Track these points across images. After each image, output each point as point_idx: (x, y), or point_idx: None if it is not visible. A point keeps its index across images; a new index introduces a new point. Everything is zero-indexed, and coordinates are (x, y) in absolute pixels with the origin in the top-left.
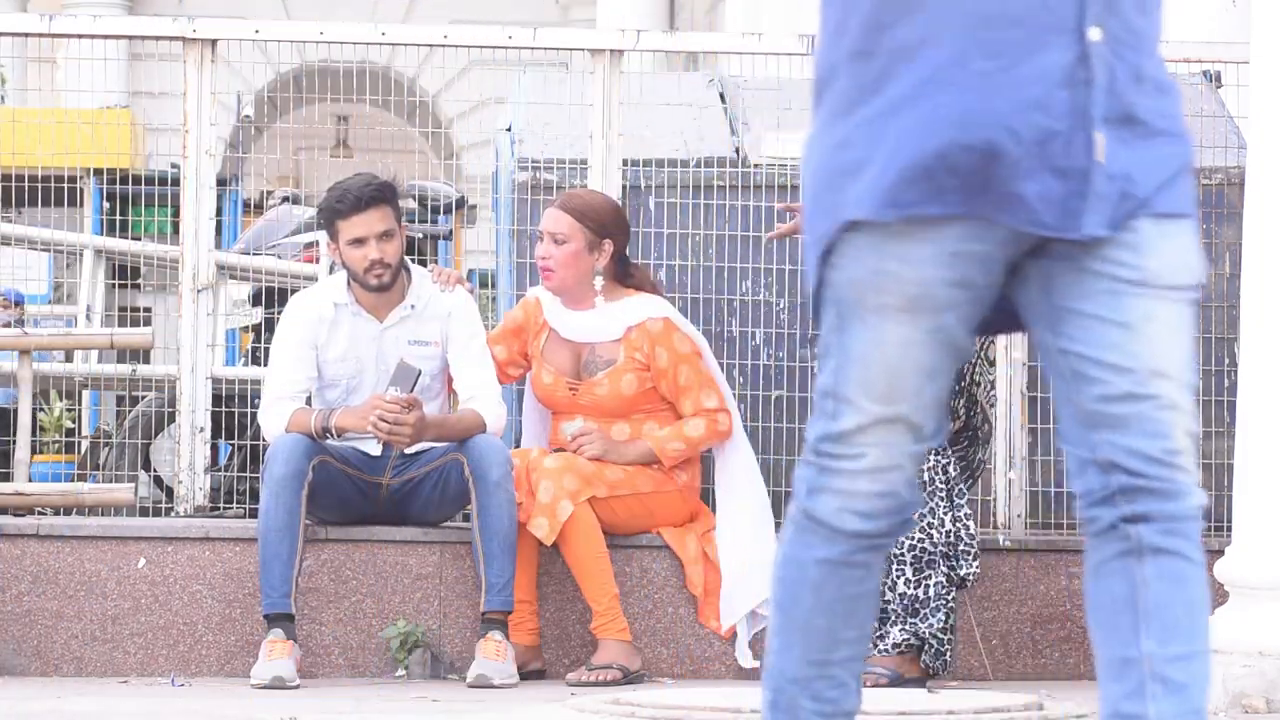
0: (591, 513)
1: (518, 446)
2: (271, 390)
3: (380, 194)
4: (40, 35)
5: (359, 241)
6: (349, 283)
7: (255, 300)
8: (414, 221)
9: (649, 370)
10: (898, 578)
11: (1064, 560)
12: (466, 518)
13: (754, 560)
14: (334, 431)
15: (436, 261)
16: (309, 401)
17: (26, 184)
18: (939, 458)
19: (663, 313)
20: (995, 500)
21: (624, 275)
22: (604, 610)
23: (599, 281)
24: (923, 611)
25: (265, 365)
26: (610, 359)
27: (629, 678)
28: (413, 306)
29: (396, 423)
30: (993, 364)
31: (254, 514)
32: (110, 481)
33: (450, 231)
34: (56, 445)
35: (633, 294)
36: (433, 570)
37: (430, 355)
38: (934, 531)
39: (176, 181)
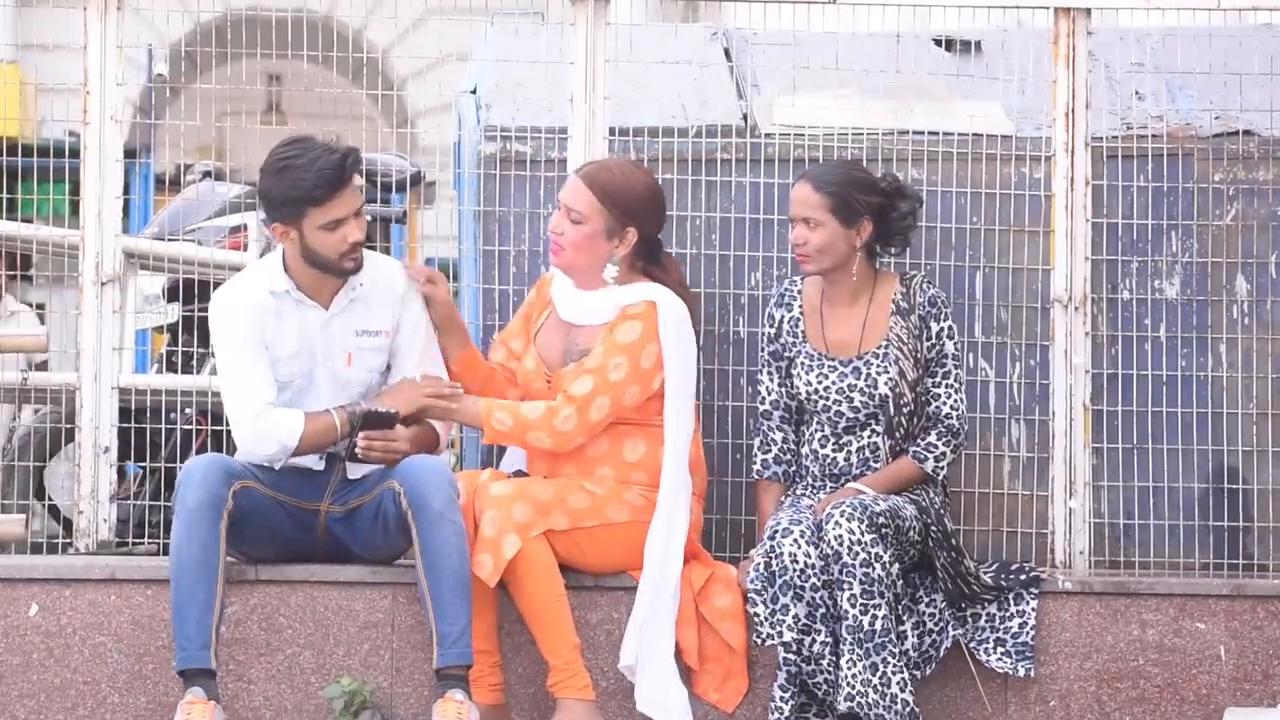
0: (546, 548)
1: (494, 465)
2: (249, 401)
3: (355, 164)
4: None
5: (336, 224)
6: (285, 266)
7: (171, 295)
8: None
9: None
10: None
11: (1136, 606)
12: None
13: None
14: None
15: (389, 250)
16: None
17: None
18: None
19: (651, 296)
20: (1053, 534)
21: (650, 263)
22: (563, 665)
23: (611, 271)
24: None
25: (182, 372)
26: (587, 349)
27: None
28: (360, 285)
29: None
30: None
31: (169, 550)
32: None
33: (404, 213)
34: None
35: (643, 281)
36: (383, 617)
37: (379, 347)
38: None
39: (75, 153)
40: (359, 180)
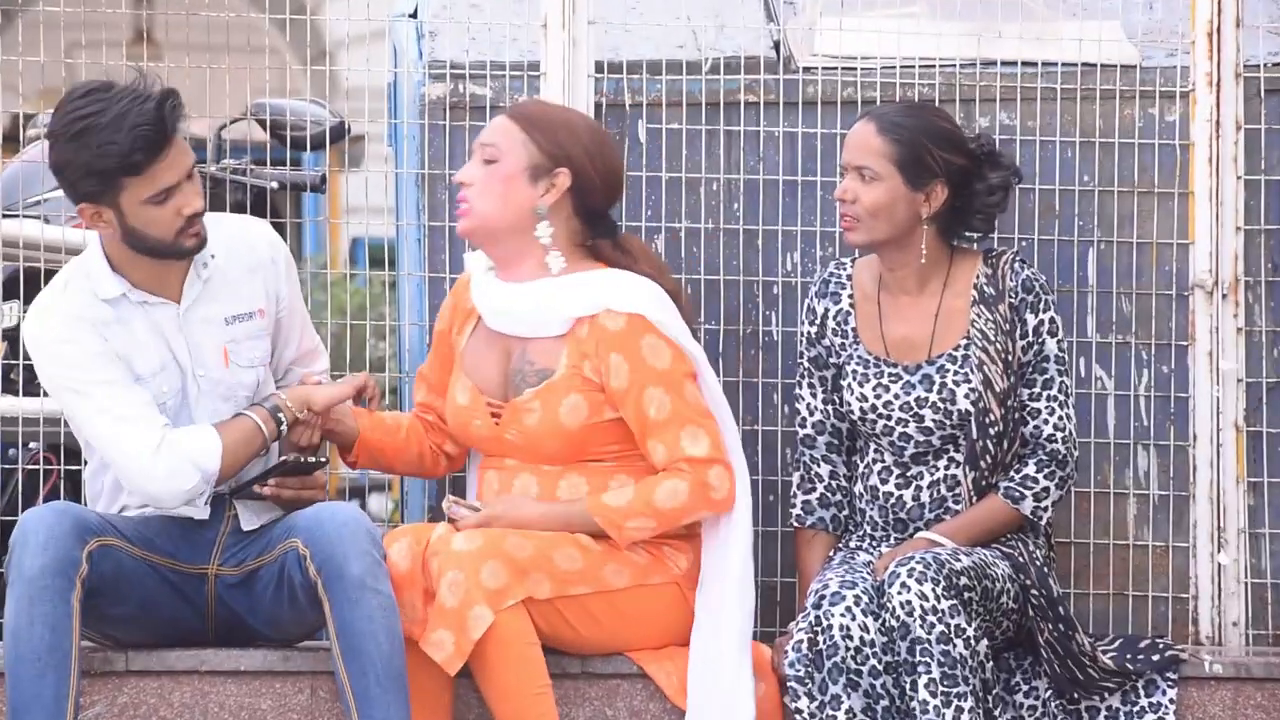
0: (526, 623)
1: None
2: (141, 433)
3: (177, 110)
4: None
5: (166, 194)
6: (109, 260)
7: (8, 291)
8: (265, 164)
9: (604, 391)
10: None
11: None
12: None
13: (724, 696)
14: (288, 422)
15: (301, 228)
16: None
17: None
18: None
19: (632, 304)
20: (1196, 599)
21: (601, 239)
22: None
23: (544, 231)
24: None
25: (24, 394)
26: (546, 368)
27: None
28: (212, 259)
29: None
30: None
31: (3, 635)
32: None
33: (323, 178)
34: None
35: (601, 268)
36: (298, 717)
37: (256, 333)
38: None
39: None
40: (183, 131)
